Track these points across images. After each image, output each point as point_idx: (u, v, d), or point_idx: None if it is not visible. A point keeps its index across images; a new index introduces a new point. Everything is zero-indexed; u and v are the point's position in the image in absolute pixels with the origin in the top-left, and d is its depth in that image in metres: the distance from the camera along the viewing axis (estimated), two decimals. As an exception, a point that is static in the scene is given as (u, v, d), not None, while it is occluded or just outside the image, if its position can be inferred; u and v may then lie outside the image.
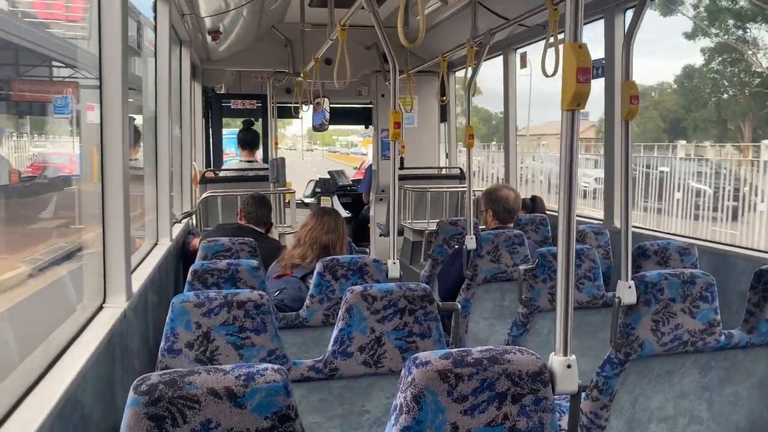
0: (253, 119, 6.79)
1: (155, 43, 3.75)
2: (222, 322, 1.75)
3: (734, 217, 10.71)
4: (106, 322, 2.04)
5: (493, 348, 1.27)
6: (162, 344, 1.74)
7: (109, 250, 2.22)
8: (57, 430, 1.45)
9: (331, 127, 7.34)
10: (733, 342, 1.96)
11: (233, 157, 9.39)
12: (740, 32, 21.56)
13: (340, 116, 8.29)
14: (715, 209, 11.00)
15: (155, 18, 3.70)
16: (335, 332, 1.84)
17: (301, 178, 10.56)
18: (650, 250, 2.99)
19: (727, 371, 2.00)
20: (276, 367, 1.21)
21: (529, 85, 20.88)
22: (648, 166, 12.82)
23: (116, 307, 2.18)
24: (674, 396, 1.97)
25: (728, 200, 10.81)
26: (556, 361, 1.35)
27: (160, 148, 3.77)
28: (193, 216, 5.10)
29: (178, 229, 4.28)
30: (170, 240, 3.76)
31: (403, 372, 1.24)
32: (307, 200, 8.59)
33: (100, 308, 2.16)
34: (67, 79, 3.10)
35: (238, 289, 2.26)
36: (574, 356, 1.37)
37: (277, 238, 4.42)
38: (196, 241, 4.07)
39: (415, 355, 1.24)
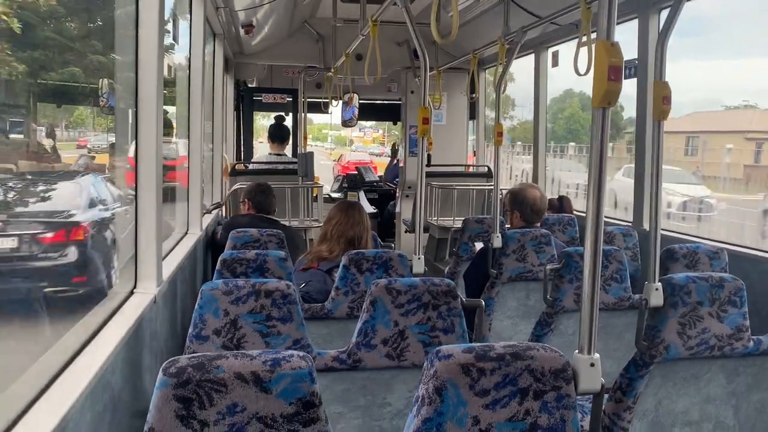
0: (284, 114, 6.85)
1: (190, 35, 3.80)
2: (249, 311, 1.78)
3: None
4: (137, 306, 2.09)
5: (516, 344, 1.28)
6: (190, 330, 1.78)
7: (141, 237, 2.27)
8: (87, 410, 1.49)
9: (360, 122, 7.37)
10: (761, 348, 1.93)
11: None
12: None
13: (369, 112, 8.32)
14: None
15: (190, 11, 3.76)
16: (359, 324, 1.85)
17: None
18: (679, 253, 2.95)
19: (755, 377, 1.97)
20: (301, 354, 1.23)
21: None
22: None
23: (147, 293, 2.23)
24: (700, 401, 1.95)
25: None
26: (579, 359, 1.35)
27: (193, 140, 3.83)
28: (223, 207, 5.17)
29: (208, 219, 4.35)
30: (200, 230, 3.82)
31: (425, 364, 1.25)
32: (334, 195, 8.65)
33: (131, 293, 2.22)
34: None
35: (265, 278, 2.29)
36: (597, 355, 1.37)
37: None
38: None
39: (438, 348, 1.25)
